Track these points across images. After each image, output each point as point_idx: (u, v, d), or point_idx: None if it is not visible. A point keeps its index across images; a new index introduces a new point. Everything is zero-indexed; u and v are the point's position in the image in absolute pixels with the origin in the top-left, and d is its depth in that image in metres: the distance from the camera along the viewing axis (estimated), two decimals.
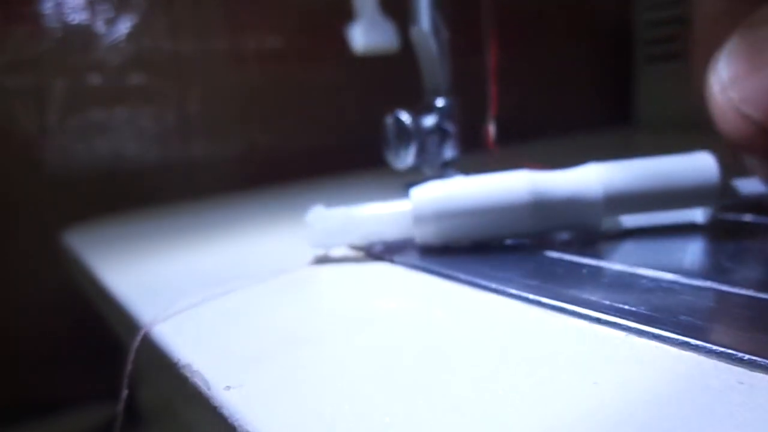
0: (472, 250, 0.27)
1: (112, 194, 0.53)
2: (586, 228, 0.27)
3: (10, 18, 0.49)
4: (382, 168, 0.40)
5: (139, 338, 0.21)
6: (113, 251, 0.35)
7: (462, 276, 0.24)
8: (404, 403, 0.15)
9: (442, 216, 0.27)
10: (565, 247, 0.27)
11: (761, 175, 0.22)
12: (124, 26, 0.54)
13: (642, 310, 0.19)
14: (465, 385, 0.16)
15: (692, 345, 0.16)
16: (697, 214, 0.27)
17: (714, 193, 0.26)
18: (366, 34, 0.40)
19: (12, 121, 0.50)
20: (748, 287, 0.20)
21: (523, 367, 0.16)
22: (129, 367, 0.20)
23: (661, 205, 0.27)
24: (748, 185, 0.27)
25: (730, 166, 0.25)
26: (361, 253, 0.29)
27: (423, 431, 0.14)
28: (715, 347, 0.16)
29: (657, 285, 0.21)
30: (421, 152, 0.36)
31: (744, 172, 0.26)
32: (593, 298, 0.20)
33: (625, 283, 0.21)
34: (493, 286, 0.22)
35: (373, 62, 0.46)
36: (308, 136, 0.63)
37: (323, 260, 0.28)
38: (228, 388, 0.16)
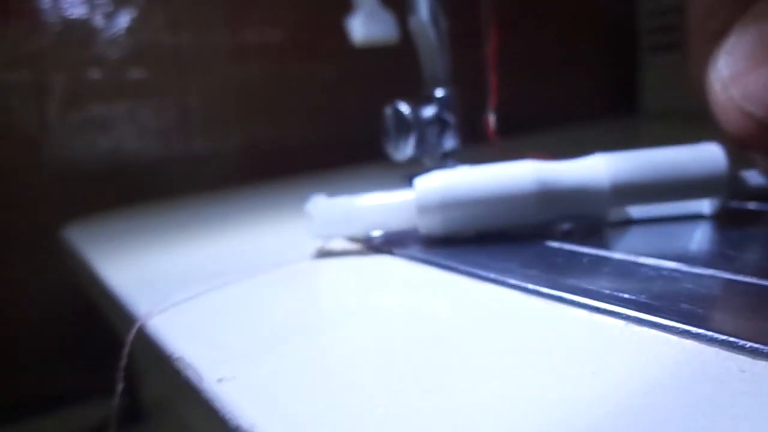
0: (471, 241, 0.27)
1: (113, 189, 0.53)
2: (592, 219, 0.27)
3: (9, 13, 0.49)
4: (383, 161, 0.39)
5: (133, 331, 0.21)
6: (112, 246, 0.35)
7: (460, 266, 0.24)
8: (399, 394, 0.15)
9: (447, 206, 0.26)
10: (566, 236, 0.26)
11: (764, 170, 0.22)
12: (123, 20, 0.54)
13: (642, 298, 0.18)
14: (461, 376, 0.15)
15: (693, 333, 0.16)
16: (704, 205, 0.27)
17: (722, 184, 0.25)
18: (365, 26, 0.40)
19: (12, 117, 0.50)
20: (751, 275, 0.19)
21: (520, 357, 0.16)
22: (124, 360, 0.20)
23: (669, 196, 0.26)
24: (755, 176, 0.26)
25: (737, 157, 0.25)
26: (360, 246, 0.29)
27: (417, 423, 0.13)
28: (716, 335, 0.15)
29: (658, 273, 0.20)
30: (420, 143, 0.35)
31: (749, 164, 0.26)
32: (593, 287, 0.20)
33: (625, 271, 0.21)
34: (492, 276, 0.22)
35: (373, 55, 0.45)
36: (309, 130, 0.63)
37: (322, 253, 0.28)
38: (221, 380, 0.16)
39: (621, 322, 0.17)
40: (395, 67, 0.50)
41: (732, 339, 0.15)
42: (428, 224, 0.27)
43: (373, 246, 0.29)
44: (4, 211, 0.49)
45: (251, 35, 0.60)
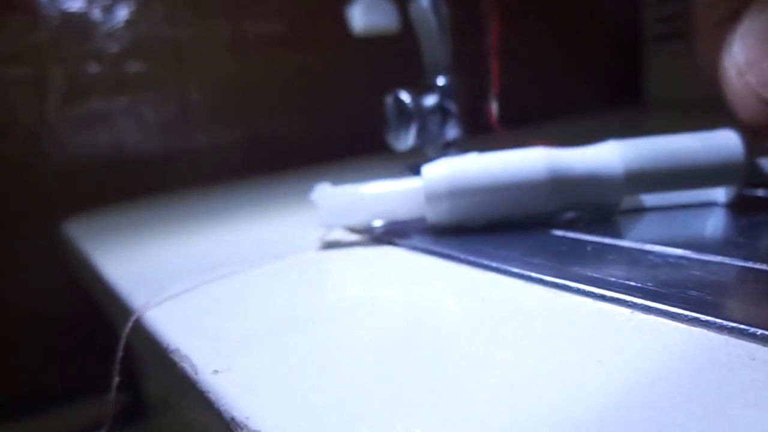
0: (477, 230, 0.26)
1: (114, 183, 0.53)
2: (605, 207, 0.26)
3: (7, 7, 0.49)
4: (386, 152, 0.39)
5: (130, 324, 0.20)
6: (112, 240, 0.35)
7: (462, 256, 0.23)
8: (397, 385, 0.14)
9: (456, 194, 0.25)
10: (572, 225, 0.26)
11: None
12: (121, 13, 0.53)
13: (648, 286, 0.18)
14: (462, 366, 0.15)
15: (702, 321, 0.15)
16: (719, 193, 0.26)
17: (738, 172, 0.25)
18: (365, 15, 0.39)
19: (12, 112, 0.49)
20: (761, 261, 0.19)
21: (522, 346, 0.16)
22: (120, 353, 0.20)
23: (684, 183, 0.25)
24: None
25: (753, 144, 0.24)
26: (362, 237, 0.29)
27: (416, 413, 0.13)
28: (726, 322, 0.15)
29: (665, 261, 0.20)
30: (422, 132, 0.35)
31: (766, 151, 0.25)
32: (597, 274, 0.19)
33: (632, 259, 0.21)
34: (494, 264, 0.21)
35: (375, 44, 0.45)
36: (311, 122, 0.62)
37: (324, 244, 0.28)
38: (216, 372, 0.16)
39: (627, 310, 0.17)
40: (399, 58, 0.49)
41: (742, 326, 0.15)
42: (436, 213, 0.26)
43: (375, 237, 0.28)
44: (4, 205, 0.49)
45: (251, 27, 0.59)
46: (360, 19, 0.39)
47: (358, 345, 0.17)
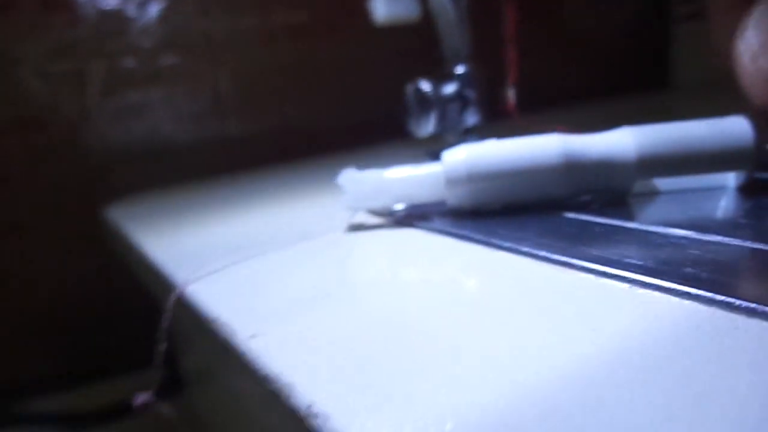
0: (494, 213, 0.28)
1: (150, 171, 0.55)
2: (618, 191, 0.27)
3: (49, 7, 0.51)
4: (409, 139, 0.40)
5: (173, 297, 0.23)
6: (152, 224, 0.37)
7: (477, 236, 0.25)
8: (412, 350, 0.16)
9: (474, 178, 0.27)
10: (586, 208, 0.27)
11: None
12: (154, 9, 0.56)
13: (648, 263, 0.19)
14: (471, 337, 0.16)
15: (693, 294, 0.17)
16: (730, 177, 0.27)
17: (749, 157, 0.25)
18: (387, 4, 0.41)
19: (55, 105, 0.52)
20: (759, 241, 0.20)
21: (526, 318, 0.17)
22: (166, 322, 0.22)
23: (695, 168, 0.26)
24: None
25: (765, 129, 0.25)
26: (385, 220, 0.30)
27: (425, 378, 0.15)
28: (714, 295, 0.16)
29: (668, 241, 0.21)
30: (442, 120, 0.36)
31: None
32: (602, 254, 0.21)
33: (636, 239, 0.22)
34: (506, 244, 0.23)
35: (401, 32, 0.46)
36: (337, 110, 0.64)
37: (350, 227, 0.29)
38: (252, 336, 0.18)
39: (626, 285, 0.18)
40: (423, 46, 0.50)
41: (728, 299, 0.16)
42: (456, 196, 0.28)
43: (397, 220, 0.30)
44: (49, 193, 0.52)
45: (279, 18, 0.61)
46: (382, 8, 0.41)
47: (378, 316, 0.19)
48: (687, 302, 0.17)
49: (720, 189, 0.27)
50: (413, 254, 0.24)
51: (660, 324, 0.16)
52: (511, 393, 0.13)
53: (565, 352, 0.15)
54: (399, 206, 0.31)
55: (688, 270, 0.18)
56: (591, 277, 0.19)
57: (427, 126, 0.36)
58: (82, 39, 0.53)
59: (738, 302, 0.16)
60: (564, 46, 0.75)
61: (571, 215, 0.26)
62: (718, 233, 0.21)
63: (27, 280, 0.53)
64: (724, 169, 0.26)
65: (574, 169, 0.26)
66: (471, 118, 0.37)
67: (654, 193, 0.28)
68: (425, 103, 0.36)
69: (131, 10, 0.54)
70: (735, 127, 0.25)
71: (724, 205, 0.25)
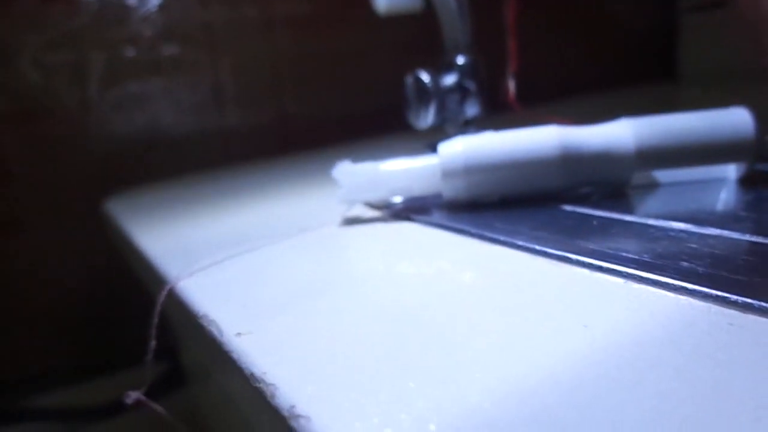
0: (491, 206, 0.27)
1: (150, 162, 0.55)
2: (616, 183, 0.27)
3: None
4: (411, 131, 0.40)
5: (164, 293, 0.22)
6: (149, 217, 0.37)
7: (473, 230, 0.24)
8: (401, 347, 0.16)
9: (471, 170, 0.27)
10: (583, 200, 0.27)
11: None
12: None
13: (645, 257, 0.19)
14: (459, 333, 0.16)
15: (689, 289, 0.16)
16: (730, 169, 0.27)
17: (749, 149, 0.25)
18: None
19: (55, 96, 0.52)
20: (757, 234, 0.19)
21: (518, 313, 0.17)
22: (156, 319, 0.22)
23: (695, 160, 0.26)
24: None
25: (765, 120, 0.25)
26: (382, 213, 0.30)
27: (412, 376, 0.14)
28: (710, 290, 0.16)
29: (665, 234, 0.21)
30: (441, 111, 0.36)
31: None
32: (598, 247, 0.20)
33: (633, 233, 0.21)
34: (502, 238, 0.23)
35: (402, 23, 0.45)
36: (338, 101, 0.63)
37: (346, 220, 0.29)
38: (239, 335, 0.17)
39: (620, 280, 0.18)
40: (424, 37, 0.50)
41: (724, 294, 0.16)
42: (452, 189, 0.27)
43: (394, 212, 0.29)
44: (50, 184, 0.52)
45: (279, 9, 0.60)
46: None
47: (370, 311, 0.18)
48: (683, 298, 0.16)
49: (720, 181, 0.27)
50: (407, 248, 0.24)
51: (654, 320, 0.15)
52: (499, 391, 0.13)
53: (555, 349, 0.14)
54: (397, 199, 0.30)
55: (685, 264, 0.18)
56: (586, 271, 0.19)
57: (427, 117, 0.36)
58: (81, 29, 0.52)
59: (734, 298, 0.15)
60: (568, 37, 0.74)
61: (568, 208, 0.26)
62: (716, 226, 0.21)
63: (29, 275, 0.53)
64: (724, 161, 0.26)
65: (571, 161, 0.26)
66: (471, 110, 0.37)
67: (653, 186, 0.27)
68: (424, 94, 0.35)
69: (132, 0, 0.54)
70: (735, 119, 0.25)
71: (724, 198, 0.25)
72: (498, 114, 0.39)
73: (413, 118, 0.37)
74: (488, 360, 0.14)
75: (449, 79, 0.36)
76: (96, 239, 0.51)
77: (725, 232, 0.20)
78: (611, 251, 0.20)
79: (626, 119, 0.26)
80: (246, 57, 0.59)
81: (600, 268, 0.19)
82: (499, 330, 0.16)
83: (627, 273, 0.18)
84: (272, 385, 0.14)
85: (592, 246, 0.20)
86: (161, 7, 0.56)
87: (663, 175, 0.28)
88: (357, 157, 0.28)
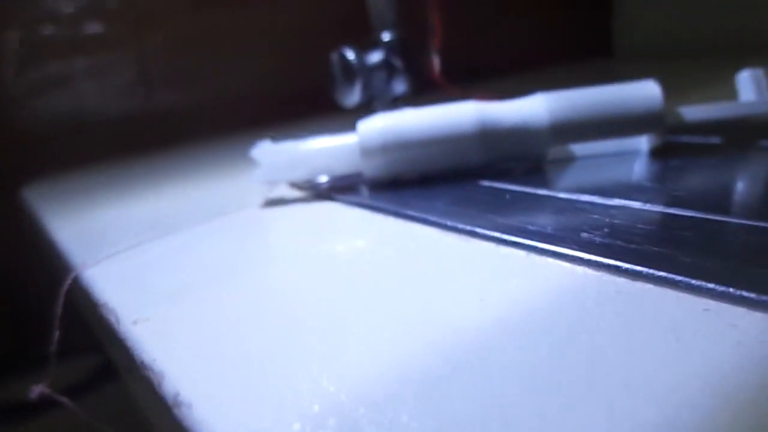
0: (413, 184, 0.27)
1: (75, 146, 0.53)
2: (533, 157, 0.27)
3: None
4: (342, 111, 0.39)
5: (68, 282, 0.21)
6: (66, 204, 0.35)
7: (391, 208, 0.24)
8: (296, 332, 0.15)
9: (389, 148, 0.26)
10: (502, 175, 0.27)
11: None
12: None
13: (548, 229, 0.19)
14: (356, 312, 0.16)
15: (584, 259, 0.17)
16: (643, 141, 0.27)
17: (659, 120, 0.26)
18: None
19: None
20: (659, 204, 0.20)
21: (419, 286, 0.17)
22: (59, 310, 0.21)
23: (607, 132, 0.26)
24: (693, 111, 0.26)
25: (674, 92, 0.25)
26: (305, 193, 0.29)
27: (302, 360, 0.14)
28: (603, 260, 0.16)
29: (571, 206, 0.21)
30: (368, 89, 0.35)
31: (686, 99, 0.26)
32: (506, 221, 0.20)
33: (543, 206, 0.22)
34: (416, 215, 0.23)
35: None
36: (272, 80, 0.62)
37: (267, 202, 0.28)
38: (135, 322, 0.17)
39: (523, 253, 0.18)
40: (356, 12, 0.49)
41: (615, 263, 0.16)
42: (371, 167, 0.27)
43: (317, 192, 0.29)
44: None
45: None
46: None
47: (270, 296, 0.18)
48: (579, 268, 0.17)
49: (633, 153, 0.27)
50: (324, 228, 0.24)
51: (548, 291, 0.15)
52: (384, 367, 0.13)
53: (448, 323, 0.15)
54: (323, 178, 0.30)
55: (584, 235, 0.18)
56: (492, 245, 0.19)
57: (353, 96, 0.35)
58: None
59: (625, 266, 0.16)
60: (504, 14, 0.74)
61: (486, 183, 0.26)
62: (620, 197, 0.21)
63: None
64: (635, 132, 0.26)
65: (488, 136, 0.26)
66: (399, 87, 0.37)
67: (570, 160, 0.28)
68: (349, 72, 0.35)
69: None
70: (644, 91, 0.25)
71: (635, 169, 0.25)
72: (430, 92, 0.39)
73: (340, 97, 0.36)
74: (381, 338, 0.14)
75: (375, 57, 0.36)
76: (10, 230, 0.49)
77: (628, 203, 0.20)
78: (518, 225, 0.20)
79: (541, 94, 0.26)
80: (175, 35, 0.57)
81: (504, 242, 0.19)
82: (397, 307, 0.16)
83: (529, 245, 0.18)
84: (159, 372, 0.14)
85: (500, 220, 0.21)
86: None
87: (580, 149, 0.28)
88: (283, 137, 0.28)
